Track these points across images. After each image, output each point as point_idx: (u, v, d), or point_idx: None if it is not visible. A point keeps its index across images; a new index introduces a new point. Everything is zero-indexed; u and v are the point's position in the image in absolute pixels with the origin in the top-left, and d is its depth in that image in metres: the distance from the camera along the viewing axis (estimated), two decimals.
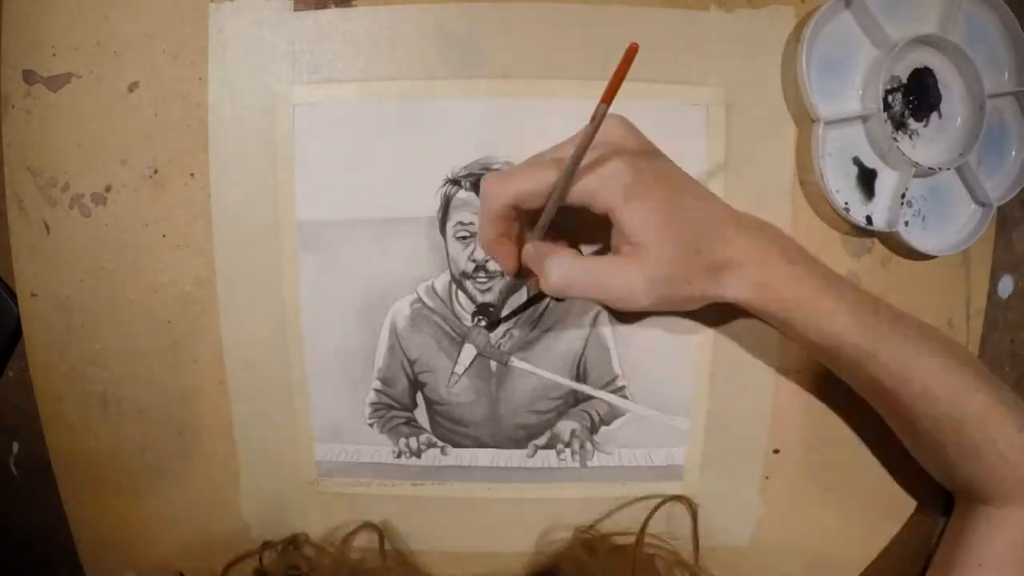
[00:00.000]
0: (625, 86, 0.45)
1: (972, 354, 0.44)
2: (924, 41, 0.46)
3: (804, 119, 0.46)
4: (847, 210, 0.46)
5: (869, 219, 0.46)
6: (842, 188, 0.46)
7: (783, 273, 0.37)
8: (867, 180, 0.47)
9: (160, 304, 0.48)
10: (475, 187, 0.46)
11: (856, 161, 0.47)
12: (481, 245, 0.41)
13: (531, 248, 0.39)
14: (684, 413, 0.48)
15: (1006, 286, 0.51)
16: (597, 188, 0.35)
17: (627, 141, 0.37)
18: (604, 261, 0.37)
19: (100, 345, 0.48)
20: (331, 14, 0.46)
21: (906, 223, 0.47)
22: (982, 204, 0.48)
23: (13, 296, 0.49)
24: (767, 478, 0.49)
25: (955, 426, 0.39)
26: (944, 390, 0.38)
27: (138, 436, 0.49)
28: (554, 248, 0.38)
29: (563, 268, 0.36)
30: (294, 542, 0.46)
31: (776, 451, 0.49)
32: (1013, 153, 0.48)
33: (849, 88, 0.46)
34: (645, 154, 0.37)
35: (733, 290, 0.38)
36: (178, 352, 0.48)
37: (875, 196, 0.47)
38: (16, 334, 0.50)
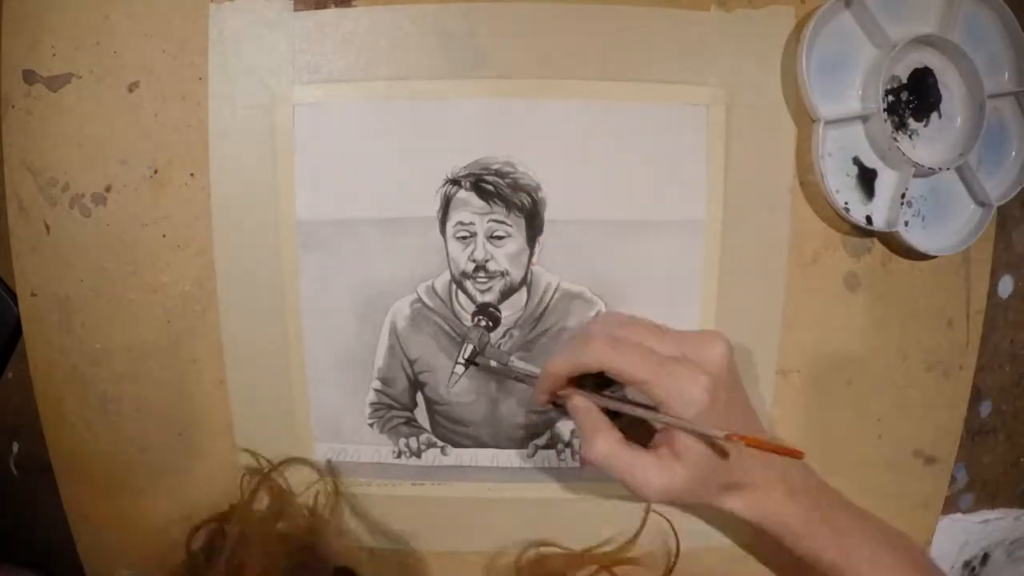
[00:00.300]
0: (626, 87, 0.45)
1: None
2: (924, 41, 0.46)
3: (804, 119, 0.46)
4: (847, 210, 0.46)
5: (869, 219, 0.46)
6: (842, 188, 0.46)
7: (780, 504, 0.40)
8: (867, 180, 0.47)
9: (160, 304, 0.48)
10: (475, 187, 0.46)
11: (856, 161, 0.47)
12: (536, 397, 0.42)
13: (581, 404, 0.40)
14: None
15: (1006, 286, 0.51)
16: (670, 400, 0.36)
17: (717, 365, 0.38)
18: (641, 458, 0.38)
19: (100, 345, 0.48)
20: (331, 14, 0.46)
21: (906, 223, 0.47)
22: (982, 204, 0.48)
23: (13, 296, 0.49)
24: None
25: None
26: None
27: (138, 436, 0.49)
28: (602, 417, 0.39)
29: (606, 449, 0.38)
30: (222, 519, 0.46)
31: None
32: (1013, 154, 0.48)
33: (849, 88, 0.46)
34: (725, 385, 0.38)
35: (734, 506, 0.40)
36: (178, 352, 0.48)
37: (875, 196, 0.47)
38: (16, 334, 0.50)
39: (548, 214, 0.46)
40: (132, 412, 0.49)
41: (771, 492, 0.40)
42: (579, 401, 0.40)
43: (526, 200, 0.46)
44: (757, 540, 0.44)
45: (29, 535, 0.53)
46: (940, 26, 0.46)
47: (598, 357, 0.37)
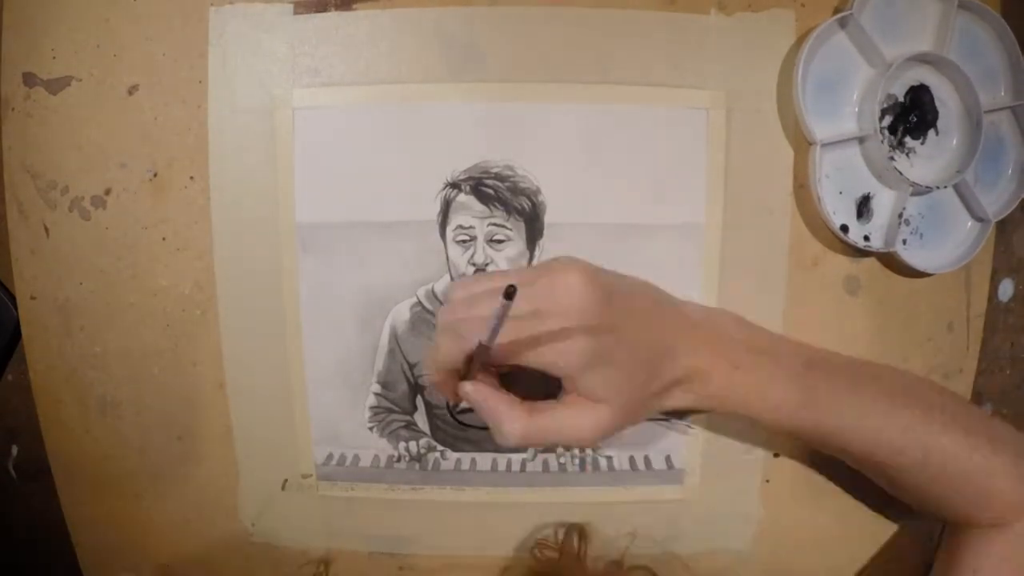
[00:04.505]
0: (626, 90, 0.45)
1: (932, 388, 0.44)
2: (920, 59, 0.45)
3: None
4: (844, 231, 0.46)
5: (867, 239, 0.46)
6: (839, 209, 0.46)
7: (725, 381, 0.38)
8: (864, 200, 0.46)
9: (160, 307, 0.48)
10: (475, 191, 0.46)
11: (853, 182, 0.46)
12: (428, 379, 0.40)
13: (470, 389, 0.36)
14: (684, 417, 0.48)
15: (1006, 289, 0.51)
16: (555, 360, 0.35)
17: (584, 298, 0.35)
18: (559, 415, 0.36)
19: (99, 348, 0.48)
20: (331, 17, 0.46)
21: (904, 241, 0.47)
22: (980, 220, 0.47)
23: (12, 299, 0.49)
24: (767, 482, 0.49)
25: (929, 471, 0.40)
26: (912, 444, 0.39)
27: (137, 439, 0.49)
28: (498, 397, 0.36)
29: (518, 428, 0.35)
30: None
31: (776, 455, 0.49)
32: (1010, 170, 0.47)
33: (846, 108, 0.46)
34: (604, 308, 0.35)
35: (681, 401, 0.39)
36: (177, 355, 0.48)
37: (873, 216, 0.47)
38: (15, 337, 0.49)
39: (548, 218, 0.46)
40: (131, 416, 0.49)
41: (713, 373, 0.38)
42: (468, 388, 0.36)
43: (526, 204, 0.46)
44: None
45: (28, 538, 0.52)
46: (935, 43, 0.46)
47: (453, 357, 0.36)
